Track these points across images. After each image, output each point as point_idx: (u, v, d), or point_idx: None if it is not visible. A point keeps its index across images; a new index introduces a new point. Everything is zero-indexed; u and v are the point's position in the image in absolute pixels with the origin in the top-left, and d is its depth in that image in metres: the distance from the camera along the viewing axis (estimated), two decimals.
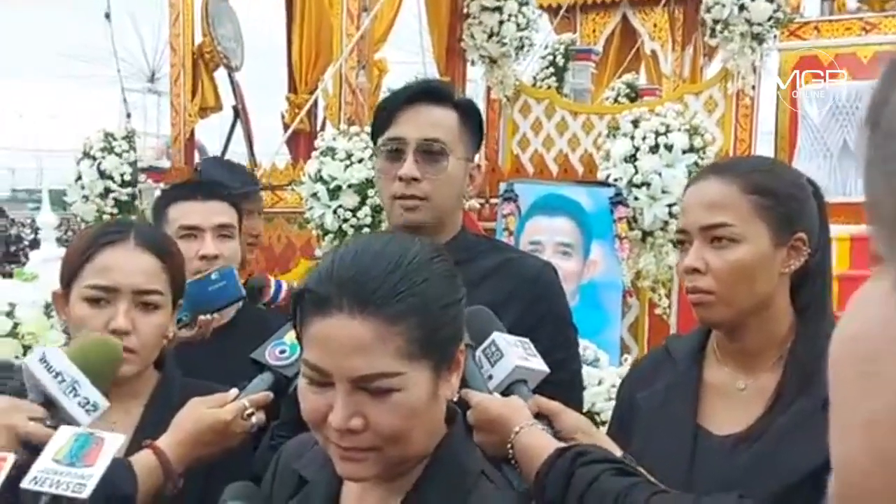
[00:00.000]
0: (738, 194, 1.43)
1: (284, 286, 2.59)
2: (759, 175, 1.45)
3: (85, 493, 1.24)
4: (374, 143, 1.78)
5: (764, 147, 6.23)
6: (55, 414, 1.36)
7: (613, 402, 1.78)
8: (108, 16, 5.95)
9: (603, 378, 3.08)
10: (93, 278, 1.55)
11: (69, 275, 1.58)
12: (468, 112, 1.77)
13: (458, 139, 1.73)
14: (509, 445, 1.30)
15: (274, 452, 1.69)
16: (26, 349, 4.65)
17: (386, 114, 1.74)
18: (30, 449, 1.30)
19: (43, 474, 1.25)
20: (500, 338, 1.43)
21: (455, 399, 1.12)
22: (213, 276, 2.05)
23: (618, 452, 1.38)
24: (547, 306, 1.75)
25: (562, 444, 1.28)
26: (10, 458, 1.24)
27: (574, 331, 1.85)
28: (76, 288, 1.57)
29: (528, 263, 1.83)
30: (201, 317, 2.00)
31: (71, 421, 1.36)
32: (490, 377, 1.41)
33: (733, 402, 1.47)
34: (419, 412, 1.04)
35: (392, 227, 1.75)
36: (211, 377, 1.66)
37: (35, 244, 10.52)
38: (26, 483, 1.24)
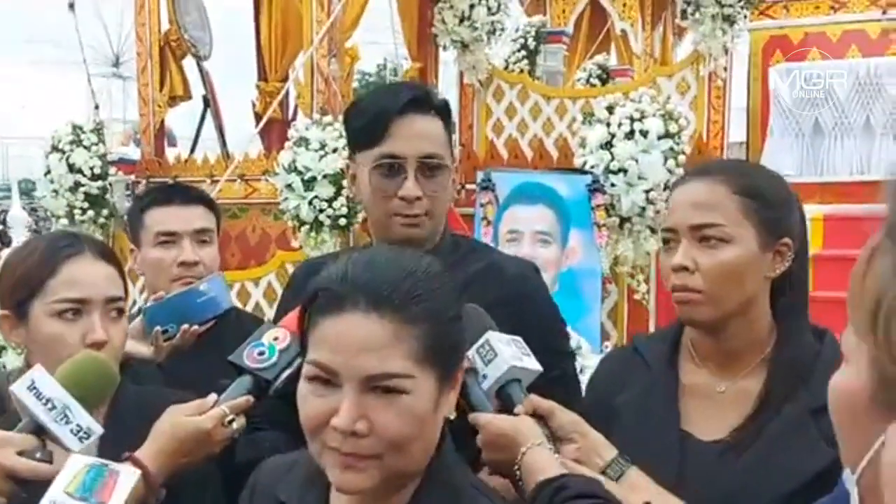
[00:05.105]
0: (727, 195, 1.43)
1: None
2: (748, 178, 1.46)
3: None
4: (358, 151, 1.70)
5: (736, 128, 6.26)
6: (48, 442, 1.30)
7: None
8: (71, 6, 5.81)
9: (585, 366, 3.09)
10: (63, 292, 1.50)
11: (26, 292, 1.51)
12: (447, 115, 1.74)
13: (447, 147, 1.70)
14: (516, 466, 1.30)
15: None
16: None
17: (375, 126, 1.65)
18: (19, 483, 1.26)
19: None
20: (494, 337, 1.42)
21: (452, 417, 1.10)
22: (202, 288, 2.00)
23: (612, 452, 1.38)
24: (533, 308, 1.74)
25: (553, 474, 1.25)
26: None
27: (564, 325, 1.85)
28: (39, 304, 1.51)
29: (511, 266, 1.81)
30: (184, 326, 1.96)
31: (65, 449, 1.30)
32: (484, 377, 1.40)
33: (713, 404, 1.47)
34: (422, 422, 1.03)
35: (386, 241, 1.68)
36: (200, 385, 1.60)
37: (5, 240, 10.24)
38: None
